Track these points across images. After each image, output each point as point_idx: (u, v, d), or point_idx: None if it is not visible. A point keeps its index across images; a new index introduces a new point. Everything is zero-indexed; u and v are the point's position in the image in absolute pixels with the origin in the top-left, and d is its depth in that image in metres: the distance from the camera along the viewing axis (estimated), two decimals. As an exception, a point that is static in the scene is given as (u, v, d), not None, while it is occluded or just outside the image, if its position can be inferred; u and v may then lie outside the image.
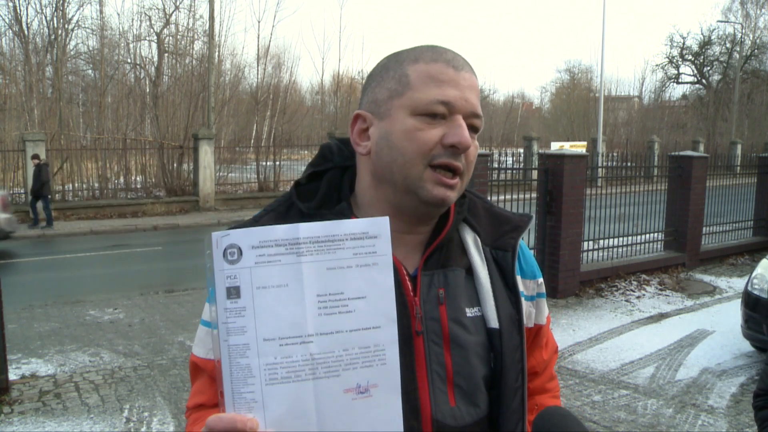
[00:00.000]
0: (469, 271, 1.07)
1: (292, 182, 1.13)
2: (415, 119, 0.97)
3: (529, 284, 1.15)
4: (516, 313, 1.06)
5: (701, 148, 25.61)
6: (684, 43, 43.48)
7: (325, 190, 1.07)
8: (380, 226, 0.84)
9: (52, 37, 23.36)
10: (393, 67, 1.02)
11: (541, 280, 1.18)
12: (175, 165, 17.56)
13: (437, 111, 0.96)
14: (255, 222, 1.06)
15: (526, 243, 1.21)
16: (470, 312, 1.04)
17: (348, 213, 1.03)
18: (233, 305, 0.80)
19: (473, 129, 1.00)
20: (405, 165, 0.97)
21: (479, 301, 1.05)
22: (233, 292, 0.80)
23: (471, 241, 1.09)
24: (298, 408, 0.80)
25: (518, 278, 1.11)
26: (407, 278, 1.01)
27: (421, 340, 0.99)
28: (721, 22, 40.22)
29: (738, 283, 8.45)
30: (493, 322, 1.04)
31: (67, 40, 24.35)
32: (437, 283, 1.03)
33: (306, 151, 23.11)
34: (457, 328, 1.01)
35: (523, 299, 1.10)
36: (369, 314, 0.83)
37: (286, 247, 0.81)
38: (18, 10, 23.27)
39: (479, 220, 1.12)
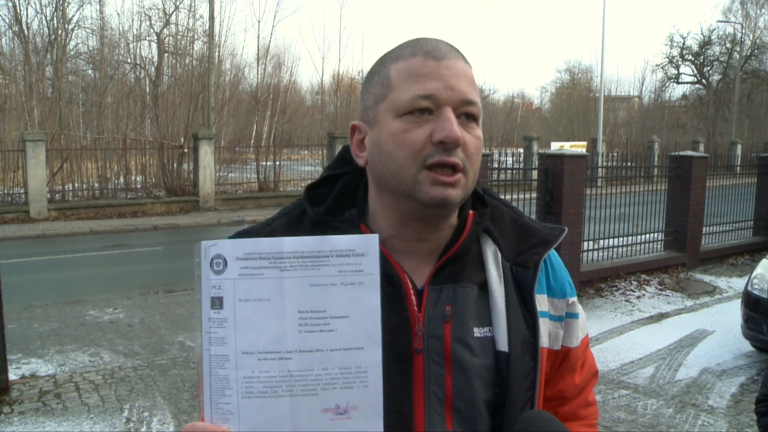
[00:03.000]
0: (485, 287, 0.99)
1: (294, 183, 1.11)
2: (400, 121, 0.91)
3: (558, 303, 1.06)
4: (531, 337, 0.99)
5: (701, 148, 25.60)
6: (684, 43, 43.51)
7: (337, 195, 1.03)
8: (369, 244, 0.82)
9: (52, 37, 23.36)
10: (378, 70, 0.97)
11: (573, 299, 1.08)
12: (175, 165, 17.55)
13: (420, 106, 0.90)
14: (267, 225, 1.03)
15: None
16: (479, 332, 0.96)
17: (356, 220, 0.98)
18: (216, 315, 0.80)
19: (470, 117, 0.93)
20: (397, 170, 0.92)
21: (491, 320, 0.97)
22: (216, 303, 0.80)
23: (491, 254, 1.01)
24: (274, 423, 0.80)
25: (544, 297, 1.04)
26: (412, 292, 0.95)
27: (420, 358, 0.93)
28: (721, 22, 40.26)
29: (738, 283, 8.45)
30: (503, 345, 0.96)
31: (67, 40, 24.35)
32: (445, 299, 0.96)
33: (306, 151, 23.11)
34: (460, 349, 0.94)
35: (547, 320, 1.03)
36: (351, 334, 0.81)
37: (270, 260, 0.80)
38: (18, 10, 23.29)
39: (503, 231, 1.04)
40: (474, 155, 0.94)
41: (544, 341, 1.02)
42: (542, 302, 1.03)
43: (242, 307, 0.80)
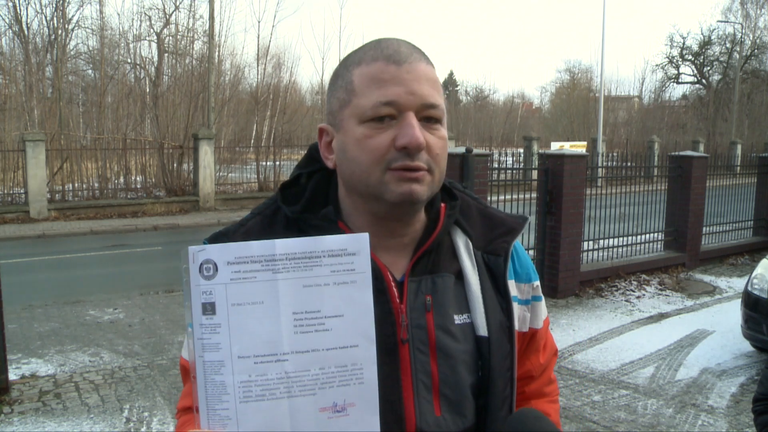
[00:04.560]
0: (460, 276, 1.03)
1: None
2: (363, 126, 0.93)
3: (524, 288, 1.11)
4: (506, 320, 1.03)
5: (701, 148, 25.60)
6: (684, 43, 43.51)
7: (311, 192, 1.05)
8: (359, 242, 0.83)
9: (52, 37, 23.37)
10: (341, 73, 0.99)
11: (537, 283, 1.14)
12: (175, 165, 17.55)
13: (382, 113, 0.92)
14: (241, 226, 1.04)
15: (525, 243, 1.18)
16: (459, 319, 1.01)
17: (333, 217, 1.00)
18: (208, 321, 0.79)
19: (432, 120, 0.94)
20: (363, 174, 0.94)
21: (468, 307, 1.02)
22: (208, 308, 0.79)
23: (462, 245, 1.05)
24: (273, 426, 0.80)
25: (512, 282, 1.08)
26: (393, 285, 0.98)
27: (406, 348, 0.96)
28: (721, 22, 40.26)
29: (738, 283, 8.45)
30: (482, 330, 1.00)
31: (67, 40, 24.37)
32: (425, 289, 0.99)
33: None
34: (444, 336, 0.98)
35: (516, 304, 1.07)
36: (346, 333, 0.82)
37: (262, 263, 0.80)
38: (18, 10, 23.31)
39: (472, 222, 1.09)
40: (439, 155, 0.95)
41: (515, 324, 1.06)
42: (511, 287, 1.07)
43: (236, 311, 0.79)
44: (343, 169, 0.98)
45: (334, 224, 0.99)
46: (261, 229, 1.02)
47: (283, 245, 0.81)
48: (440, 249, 1.03)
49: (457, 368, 0.99)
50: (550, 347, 1.19)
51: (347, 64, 0.99)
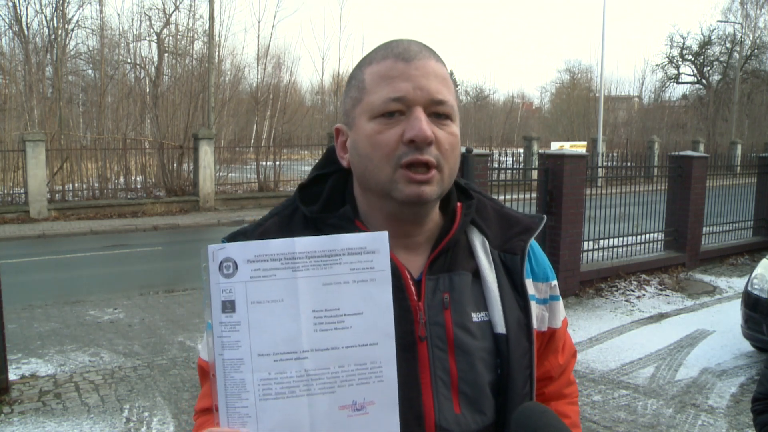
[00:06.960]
0: (477, 274, 1.04)
1: (295, 183, 1.12)
2: (374, 123, 0.95)
3: (542, 287, 1.12)
4: (525, 318, 1.04)
5: (701, 148, 25.58)
6: (684, 43, 43.48)
7: (329, 193, 1.06)
8: (379, 240, 0.83)
9: (52, 37, 23.35)
10: (355, 74, 1.02)
11: (554, 282, 1.14)
12: (175, 165, 17.54)
13: (391, 109, 0.93)
14: (259, 226, 1.05)
15: None
16: (477, 317, 1.01)
17: (351, 216, 1.01)
18: (228, 319, 0.80)
19: (441, 116, 0.95)
20: (374, 171, 0.95)
21: (486, 305, 1.02)
22: (228, 306, 0.80)
23: (479, 243, 1.06)
24: (292, 424, 0.80)
25: (529, 281, 1.08)
26: (411, 282, 0.99)
27: (425, 345, 0.97)
28: (721, 22, 40.23)
29: (738, 283, 8.45)
30: (500, 327, 1.01)
31: (67, 40, 24.35)
32: (442, 287, 1.00)
33: (306, 151, 23.12)
34: (462, 334, 0.99)
35: (534, 303, 1.07)
36: (366, 331, 0.82)
37: (282, 261, 0.80)
38: (18, 10, 23.29)
39: (488, 222, 1.09)
40: (449, 151, 0.96)
41: (533, 323, 1.06)
42: (529, 286, 1.07)
43: (255, 309, 0.80)
44: (355, 166, 1.00)
45: (351, 223, 1.00)
46: (279, 229, 1.03)
47: (303, 243, 0.81)
48: (457, 247, 1.04)
49: (476, 365, 0.99)
50: (569, 348, 1.19)
51: (361, 65, 1.01)
